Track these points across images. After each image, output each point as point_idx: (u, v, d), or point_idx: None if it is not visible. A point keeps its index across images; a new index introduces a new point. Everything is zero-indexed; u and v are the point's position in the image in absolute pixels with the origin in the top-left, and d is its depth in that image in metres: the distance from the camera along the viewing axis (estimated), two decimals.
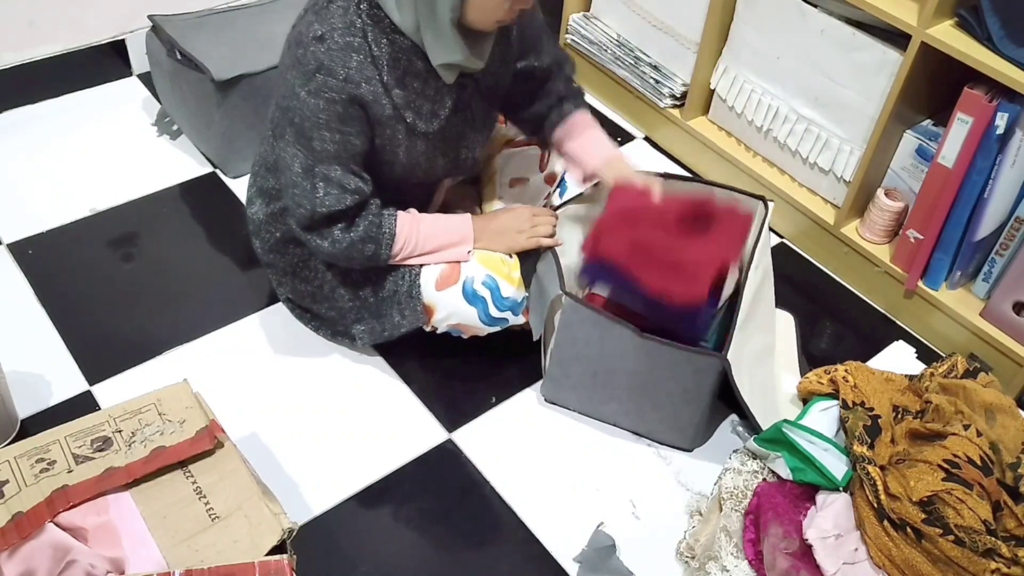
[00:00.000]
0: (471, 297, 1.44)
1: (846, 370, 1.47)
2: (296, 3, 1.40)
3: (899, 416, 1.42)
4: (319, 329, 1.59)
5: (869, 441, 1.35)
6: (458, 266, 1.45)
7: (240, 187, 1.91)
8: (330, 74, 1.28)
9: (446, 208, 1.67)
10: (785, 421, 1.38)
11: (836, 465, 1.36)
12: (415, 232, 1.42)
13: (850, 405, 1.41)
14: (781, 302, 1.79)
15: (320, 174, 1.34)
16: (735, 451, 1.45)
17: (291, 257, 1.51)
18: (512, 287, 1.46)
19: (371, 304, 1.50)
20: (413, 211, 1.45)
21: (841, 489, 1.35)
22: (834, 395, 1.47)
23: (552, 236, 1.48)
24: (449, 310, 1.44)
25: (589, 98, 2.19)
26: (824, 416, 1.45)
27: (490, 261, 1.47)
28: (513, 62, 1.49)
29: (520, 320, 1.50)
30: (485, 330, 1.47)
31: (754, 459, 1.43)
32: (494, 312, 1.45)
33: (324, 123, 1.31)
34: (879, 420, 1.38)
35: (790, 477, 1.37)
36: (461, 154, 1.48)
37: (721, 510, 1.36)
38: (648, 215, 1.43)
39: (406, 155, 1.41)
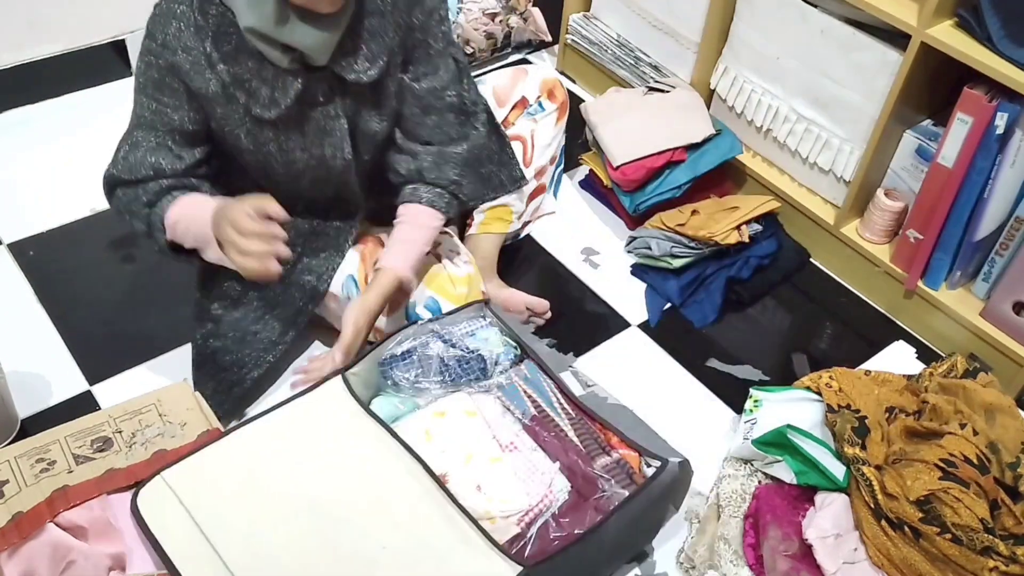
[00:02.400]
0: (416, 319, 1.43)
1: (830, 376, 1.47)
2: None
3: (893, 416, 1.42)
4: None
5: (860, 442, 1.35)
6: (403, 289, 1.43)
7: None
8: (151, 38, 1.28)
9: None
10: (788, 426, 1.38)
11: (839, 467, 1.36)
12: (179, 217, 1.31)
13: (836, 409, 1.41)
14: (781, 302, 1.80)
15: (132, 138, 1.33)
16: (725, 459, 1.45)
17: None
18: (454, 306, 1.44)
19: (205, 351, 1.49)
20: (195, 195, 1.33)
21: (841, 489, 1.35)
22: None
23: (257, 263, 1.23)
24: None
25: (589, 98, 2.19)
26: (802, 407, 1.46)
27: (435, 281, 1.45)
28: (396, 72, 1.38)
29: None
30: (522, 330, 1.46)
31: (746, 463, 1.43)
32: None
33: (141, 87, 1.31)
34: (866, 421, 1.38)
35: (793, 481, 1.37)
36: (327, 152, 1.38)
37: (719, 518, 1.36)
38: None
39: (250, 140, 1.34)
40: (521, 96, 1.71)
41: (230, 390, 1.45)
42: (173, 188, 1.33)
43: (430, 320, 1.39)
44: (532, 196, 1.78)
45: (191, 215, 1.30)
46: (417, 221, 1.42)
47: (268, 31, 1.22)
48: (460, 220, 1.72)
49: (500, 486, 1.22)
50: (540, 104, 1.73)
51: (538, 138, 1.72)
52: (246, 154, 1.37)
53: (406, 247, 1.41)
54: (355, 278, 1.47)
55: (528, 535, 1.18)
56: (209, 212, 1.27)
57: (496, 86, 1.71)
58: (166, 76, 1.28)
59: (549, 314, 1.66)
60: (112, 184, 1.36)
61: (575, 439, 1.29)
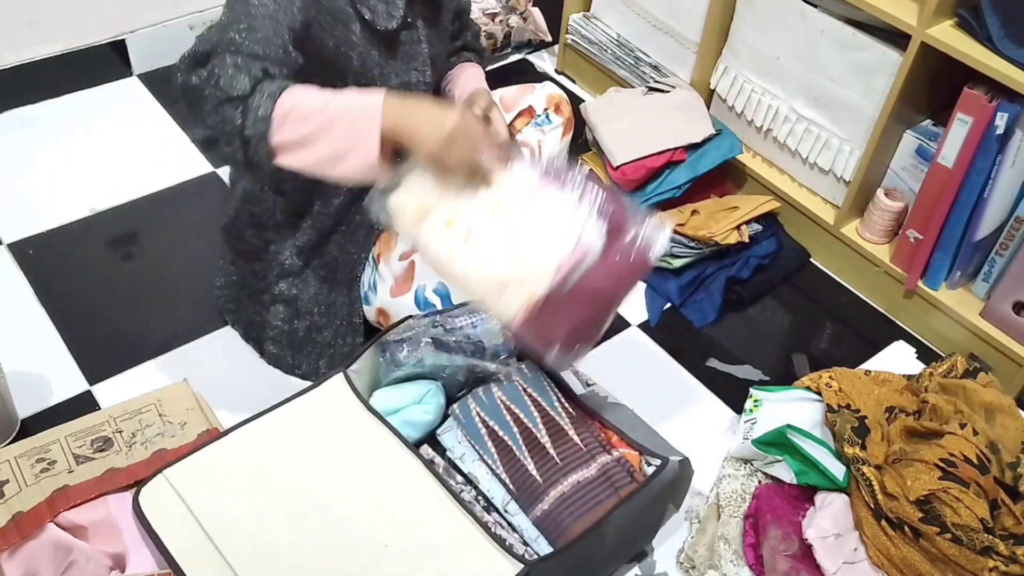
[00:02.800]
0: (422, 304, 1.44)
1: (830, 376, 1.47)
2: None
3: (892, 416, 1.42)
4: (236, 323, 1.58)
5: (860, 442, 1.35)
6: (412, 272, 1.44)
7: None
8: None
9: None
10: (788, 426, 1.38)
11: (839, 467, 1.36)
12: (303, 98, 1.11)
13: (836, 409, 1.41)
14: (781, 302, 1.80)
15: (249, 22, 1.14)
16: (725, 459, 1.45)
17: (239, 245, 1.51)
18: (463, 297, 1.45)
19: (297, 337, 1.50)
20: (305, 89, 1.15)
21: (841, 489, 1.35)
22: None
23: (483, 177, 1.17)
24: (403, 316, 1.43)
25: (589, 98, 2.20)
26: (802, 407, 1.46)
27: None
28: None
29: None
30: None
31: (746, 463, 1.43)
32: None
33: None
34: (866, 420, 1.39)
35: (793, 480, 1.37)
36: (412, 77, 1.37)
37: (719, 518, 1.36)
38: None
39: (360, 63, 1.31)
40: (528, 105, 1.72)
41: (336, 364, 1.46)
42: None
43: (430, 313, 1.39)
44: None
45: (332, 102, 1.11)
46: (476, 72, 1.56)
47: None
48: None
49: (528, 239, 1.14)
50: (547, 116, 1.74)
51: (545, 149, 1.73)
52: (350, 79, 1.30)
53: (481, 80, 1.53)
54: (373, 257, 1.49)
55: (567, 285, 1.12)
56: (373, 104, 1.10)
57: (503, 95, 1.72)
58: None
59: None
60: (208, 53, 1.12)
61: (575, 438, 1.29)
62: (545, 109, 1.74)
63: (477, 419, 1.30)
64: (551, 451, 1.27)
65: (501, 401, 1.31)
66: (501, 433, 1.28)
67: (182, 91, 1.15)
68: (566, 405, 1.33)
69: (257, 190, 1.45)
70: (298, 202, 1.45)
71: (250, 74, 1.10)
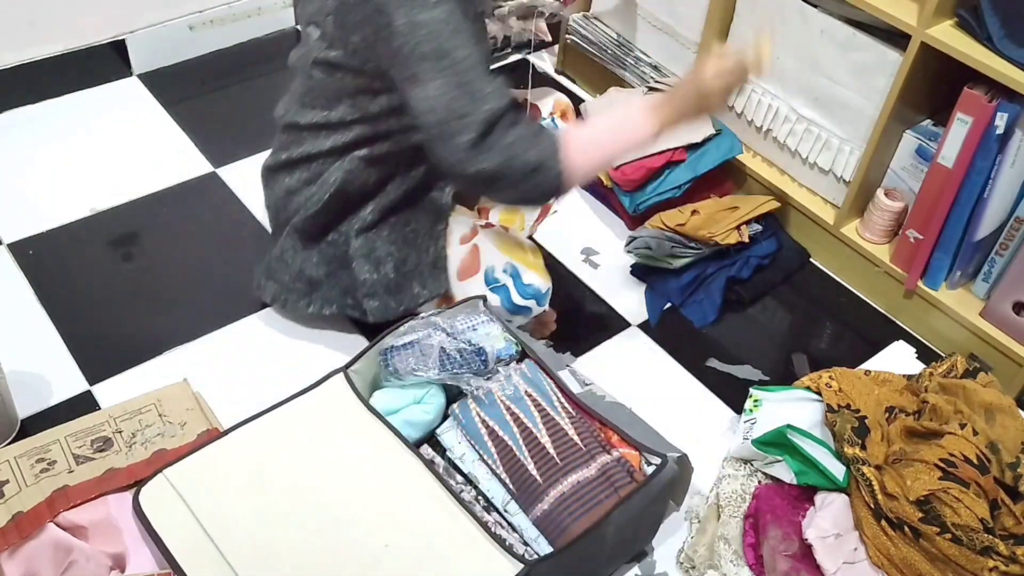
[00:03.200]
0: (493, 285, 1.44)
1: (830, 376, 1.47)
2: None
3: (892, 416, 1.42)
4: (325, 305, 1.53)
5: (860, 442, 1.35)
6: (478, 255, 1.44)
7: (239, 186, 1.91)
8: None
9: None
10: (788, 426, 1.38)
11: (839, 467, 1.36)
12: (583, 150, 1.28)
13: (836, 409, 1.41)
14: (781, 302, 1.80)
15: (475, 80, 1.23)
16: (725, 459, 1.45)
17: (327, 221, 1.48)
18: (534, 274, 1.45)
19: (390, 280, 1.48)
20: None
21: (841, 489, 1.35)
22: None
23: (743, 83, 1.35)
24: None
25: (589, 98, 2.20)
26: (801, 407, 1.46)
27: (511, 247, 1.46)
28: None
29: (544, 309, 1.49)
30: (513, 320, 1.46)
31: (746, 463, 1.43)
32: (517, 299, 1.45)
33: (456, 27, 1.22)
34: (866, 421, 1.39)
35: (793, 481, 1.37)
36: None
37: (719, 518, 1.36)
38: None
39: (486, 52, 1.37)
40: (534, 106, 1.72)
41: (428, 285, 1.48)
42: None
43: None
44: (540, 217, 1.80)
45: (603, 127, 1.32)
46: None
47: None
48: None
49: None
50: (553, 121, 1.75)
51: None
52: None
53: None
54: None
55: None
56: (635, 122, 1.29)
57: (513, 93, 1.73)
58: (463, 4, 1.25)
59: (554, 326, 1.65)
60: (493, 122, 1.23)
61: (575, 437, 1.29)
62: (551, 113, 1.75)
63: (477, 419, 1.30)
64: (551, 451, 1.27)
65: (501, 401, 1.31)
66: (501, 433, 1.28)
67: (472, 174, 1.25)
68: (566, 405, 1.33)
69: (354, 169, 1.43)
70: (390, 170, 1.45)
71: (538, 148, 1.24)
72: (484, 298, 1.44)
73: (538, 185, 1.26)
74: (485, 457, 1.27)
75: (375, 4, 1.26)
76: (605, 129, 1.32)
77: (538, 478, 1.24)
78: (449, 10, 1.23)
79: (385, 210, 1.48)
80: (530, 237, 1.82)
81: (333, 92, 1.39)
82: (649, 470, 1.26)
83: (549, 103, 1.77)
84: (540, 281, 1.47)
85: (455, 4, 1.24)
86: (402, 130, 1.41)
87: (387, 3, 1.25)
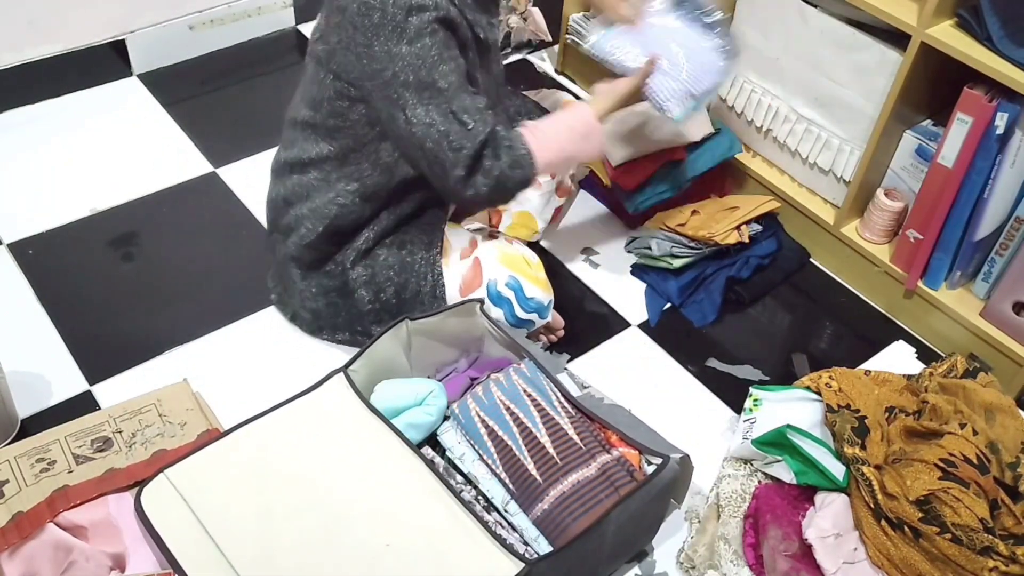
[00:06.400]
0: (496, 299, 1.45)
1: (830, 376, 1.48)
2: None
3: (892, 416, 1.42)
4: (336, 331, 1.57)
5: (860, 442, 1.35)
6: (480, 269, 1.45)
7: (239, 186, 1.91)
8: (422, 9, 1.25)
9: (457, 214, 1.67)
10: (788, 426, 1.38)
11: (838, 467, 1.36)
12: (539, 138, 1.37)
13: (836, 409, 1.41)
14: (781, 302, 1.80)
15: (459, 108, 1.29)
16: (725, 458, 1.45)
17: (322, 252, 1.49)
18: (537, 288, 1.46)
19: (392, 306, 1.50)
20: (528, 123, 1.41)
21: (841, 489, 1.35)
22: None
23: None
24: None
25: (588, 98, 2.20)
26: (801, 407, 1.46)
27: (512, 262, 1.47)
28: None
29: (547, 320, 1.50)
30: (517, 332, 1.47)
31: (746, 463, 1.43)
32: (520, 313, 1.45)
33: (437, 58, 1.27)
34: (866, 421, 1.39)
35: (793, 481, 1.37)
36: (493, 69, 1.49)
37: (719, 518, 1.36)
38: None
39: (482, 85, 1.40)
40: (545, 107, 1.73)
41: (427, 305, 1.51)
42: (499, 127, 1.36)
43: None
44: (553, 218, 1.80)
45: (549, 123, 1.40)
46: None
47: None
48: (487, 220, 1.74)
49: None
50: None
51: None
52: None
53: None
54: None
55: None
56: (581, 113, 1.42)
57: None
58: (446, 31, 1.29)
59: (562, 332, 1.66)
60: (478, 155, 1.31)
61: (575, 437, 1.29)
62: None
63: (477, 419, 1.30)
64: (551, 451, 1.27)
65: (501, 401, 1.31)
66: (501, 433, 1.28)
67: (468, 198, 1.35)
68: (565, 405, 1.33)
69: (347, 203, 1.45)
70: (383, 200, 1.46)
71: (518, 163, 1.34)
72: (481, 301, 1.44)
73: (520, 188, 1.37)
74: (485, 457, 1.27)
75: (350, 19, 1.28)
76: (560, 121, 1.41)
77: (538, 478, 1.24)
78: (428, 45, 1.26)
79: (379, 236, 1.48)
80: (537, 242, 1.83)
81: (317, 90, 1.39)
82: (650, 470, 1.26)
83: (553, 100, 1.78)
84: (542, 294, 1.47)
85: (436, 38, 1.27)
86: (386, 153, 1.41)
87: (365, 26, 1.27)
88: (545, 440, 1.28)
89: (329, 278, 1.51)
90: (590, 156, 1.45)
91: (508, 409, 1.31)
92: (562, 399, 1.34)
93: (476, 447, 1.28)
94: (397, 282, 1.48)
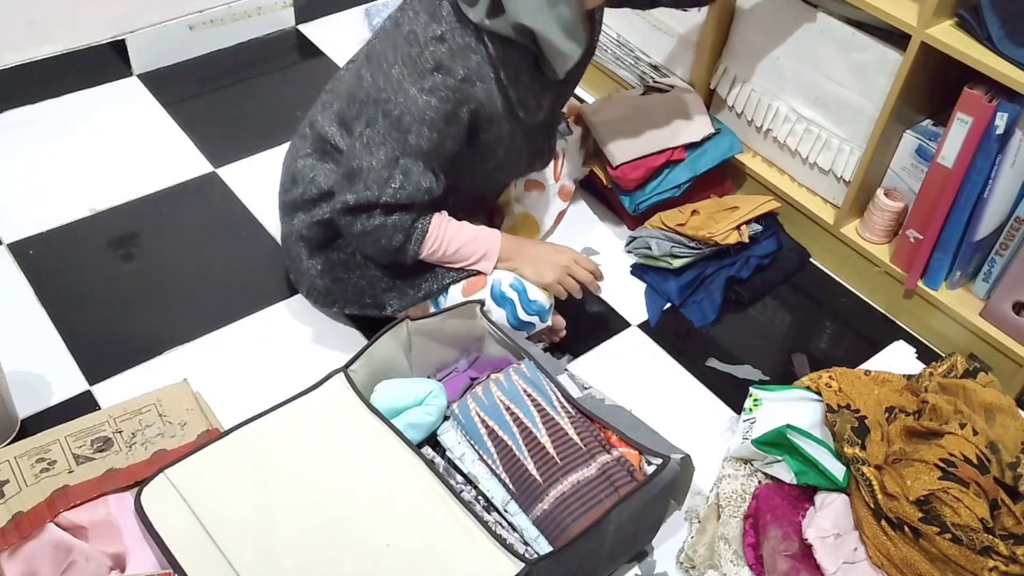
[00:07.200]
0: (499, 299, 1.45)
1: (830, 376, 1.48)
2: None
3: (892, 416, 1.42)
4: (346, 305, 1.56)
5: (860, 442, 1.35)
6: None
7: (239, 186, 1.91)
8: (449, 73, 1.29)
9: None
10: (788, 426, 1.38)
11: (839, 467, 1.36)
12: (444, 234, 1.42)
13: (836, 409, 1.41)
14: (781, 302, 1.80)
15: (403, 167, 1.33)
16: (725, 459, 1.45)
17: (331, 230, 1.50)
18: (539, 291, 1.46)
19: (404, 269, 1.50)
20: (444, 213, 1.44)
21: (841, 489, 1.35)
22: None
23: (587, 288, 1.48)
24: None
25: (588, 98, 2.20)
26: (801, 407, 1.46)
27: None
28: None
29: (548, 324, 1.50)
30: (517, 334, 1.47)
31: (746, 463, 1.43)
32: (522, 315, 1.46)
33: (429, 121, 1.31)
34: (866, 421, 1.39)
35: (793, 481, 1.37)
36: (540, 147, 1.51)
37: (719, 518, 1.36)
38: None
39: (505, 152, 1.43)
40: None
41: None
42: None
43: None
44: (557, 220, 1.80)
45: (460, 230, 1.43)
46: None
47: (567, 31, 1.30)
48: (487, 222, 1.74)
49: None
50: (567, 125, 1.76)
51: (568, 157, 1.75)
52: (490, 163, 1.45)
53: None
54: None
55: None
56: (488, 232, 1.45)
57: None
58: (459, 109, 1.32)
59: (564, 334, 1.65)
60: (374, 208, 1.36)
61: (575, 437, 1.29)
62: (564, 116, 1.76)
63: (476, 419, 1.30)
64: (551, 451, 1.27)
65: (501, 401, 1.31)
66: (501, 433, 1.28)
67: (352, 232, 1.40)
68: (565, 405, 1.33)
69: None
70: None
71: (406, 232, 1.38)
72: (482, 303, 1.44)
73: (392, 255, 1.41)
74: (485, 457, 1.27)
75: (400, 35, 1.33)
76: (464, 234, 1.44)
77: (538, 478, 1.24)
78: (434, 105, 1.30)
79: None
80: None
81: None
82: (650, 470, 1.26)
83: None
84: (544, 298, 1.47)
85: (445, 105, 1.30)
86: None
87: (401, 51, 1.31)
88: (545, 440, 1.28)
89: (338, 251, 1.52)
90: (473, 266, 1.46)
91: (508, 409, 1.31)
92: (562, 399, 1.34)
93: (476, 447, 1.28)
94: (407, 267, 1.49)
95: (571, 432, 1.29)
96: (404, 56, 1.30)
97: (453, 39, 1.29)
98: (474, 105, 1.33)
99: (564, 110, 1.69)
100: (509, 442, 1.28)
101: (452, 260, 1.44)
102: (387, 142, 1.33)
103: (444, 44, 1.29)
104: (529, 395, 1.33)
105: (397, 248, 1.39)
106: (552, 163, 1.67)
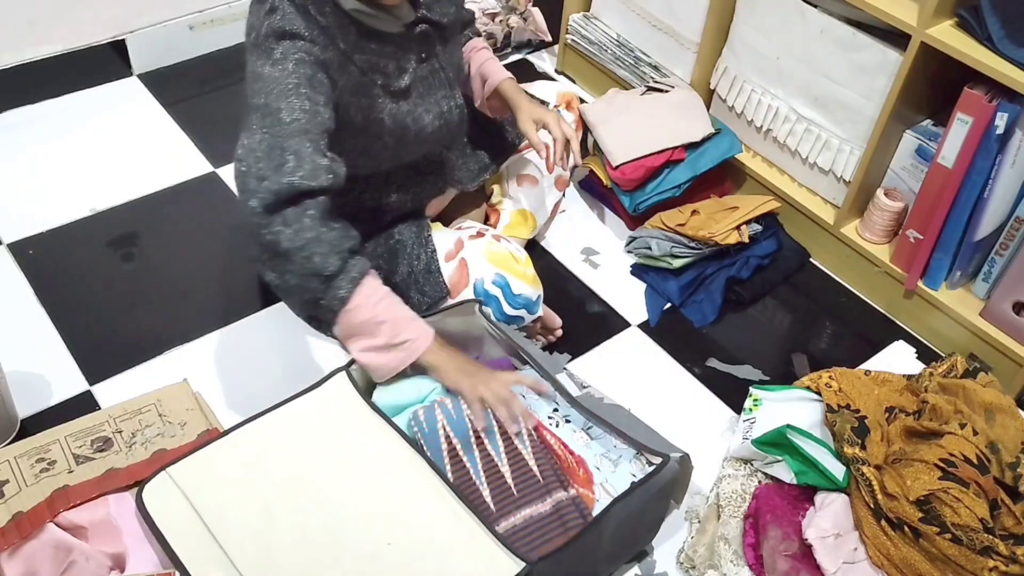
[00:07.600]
0: (484, 297, 1.44)
1: (830, 376, 1.48)
2: None
3: (892, 416, 1.42)
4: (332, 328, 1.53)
5: (860, 442, 1.35)
6: (466, 269, 1.45)
7: None
8: (295, 36, 1.23)
9: (447, 216, 1.67)
10: (788, 426, 1.38)
11: (838, 467, 1.36)
12: (382, 293, 1.25)
13: (836, 409, 1.41)
14: (781, 302, 1.80)
15: (290, 148, 1.19)
16: (725, 459, 1.45)
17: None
18: (524, 284, 1.45)
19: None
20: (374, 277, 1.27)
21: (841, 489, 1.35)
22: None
23: (509, 419, 1.27)
24: None
25: (588, 98, 2.20)
26: (801, 407, 1.46)
27: (499, 259, 1.46)
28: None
29: (538, 315, 1.49)
30: (516, 333, 1.46)
31: (746, 463, 1.43)
32: (508, 310, 1.45)
33: (293, 88, 1.21)
34: (866, 421, 1.39)
35: (793, 481, 1.37)
36: (443, 106, 1.44)
37: (719, 518, 1.36)
38: None
39: (392, 120, 1.37)
40: (540, 98, 1.72)
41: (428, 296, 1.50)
42: (355, 252, 1.23)
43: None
44: (553, 212, 1.80)
45: (396, 305, 1.26)
46: (487, 53, 1.61)
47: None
48: (483, 220, 1.74)
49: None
50: (559, 111, 1.75)
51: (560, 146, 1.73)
52: (387, 138, 1.38)
53: (496, 62, 1.60)
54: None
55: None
56: (422, 323, 1.27)
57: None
58: (318, 72, 1.24)
59: (560, 332, 1.65)
60: (285, 199, 1.18)
61: (535, 469, 1.25)
62: (556, 105, 1.76)
63: (441, 434, 1.26)
64: (509, 481, 1.24)
65: (469, 419, 1.27)
66: (462, 454, 1.25)
67: (263, 242, 1.19)
68: (532, 434, 1.29)
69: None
70: (350, 211, 1.42)
71: (341, 256, 1.20)
72: (481, 302, 1.44)
73: (314, 296, 1.20)
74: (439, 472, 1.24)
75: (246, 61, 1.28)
76: (404, 309, 1.27)
77: (491, 505, 1.21)
78: (289, 71, 1.22)
79: (363, 236, 1.42)
80: (536, 241, 1.83)
81: None
82: (649, 469, 1.26)
83: (553, 94, 1.77)
84: (530, 290, 1.46)
85: (301, 69, 1.23)
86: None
87: (247, 47, 1.27)
88: (505, 470, 1.25)
89: None
90: (379, 369, 1.27)
91: (474, 430, 1.27)
92: (528, 427, 1.29)
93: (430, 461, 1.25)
94: (387, 269, 1.49)
95: (532, 464, 1.26)
96: (249, 48, 1.26)
97: (283, 8, 1.24)
98: (329, 72, 1.26)
99: (464, 58, 1.62)
100: (468, 465, 1.24)
101: (373, 333, 1.24)
102: (263, 133, 1.20)
103: (276, 13, 1.24)
104: (496, 419, 1.28)
105: (326, 278, 1.19)
106: (545, 152, 1.64)
